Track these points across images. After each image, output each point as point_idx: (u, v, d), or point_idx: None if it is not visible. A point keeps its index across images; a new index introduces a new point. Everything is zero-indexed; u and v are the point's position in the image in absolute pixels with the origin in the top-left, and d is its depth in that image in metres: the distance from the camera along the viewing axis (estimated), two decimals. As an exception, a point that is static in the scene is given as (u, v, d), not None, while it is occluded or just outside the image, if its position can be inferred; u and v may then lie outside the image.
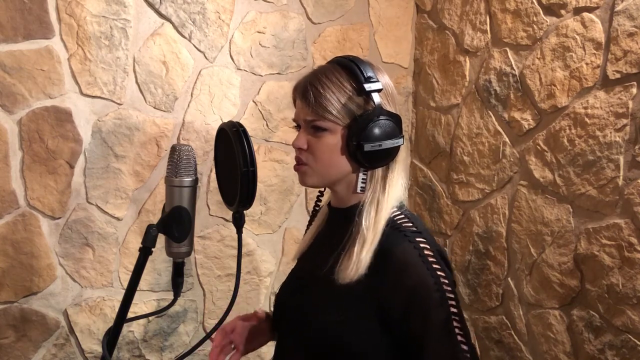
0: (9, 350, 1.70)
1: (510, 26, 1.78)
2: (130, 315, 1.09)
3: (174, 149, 1.10)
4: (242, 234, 1.10)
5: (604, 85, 1.49)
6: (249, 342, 1.23)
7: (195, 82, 1.88)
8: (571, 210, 1.59)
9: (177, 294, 1.13)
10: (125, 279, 1.83)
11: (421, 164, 2.22)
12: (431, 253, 1.04)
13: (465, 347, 1.02)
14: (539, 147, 1.69)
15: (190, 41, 1.85)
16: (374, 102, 1.05)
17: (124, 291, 1.16)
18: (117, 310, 1.09)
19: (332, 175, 1.10)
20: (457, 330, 1.02)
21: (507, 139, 1.81)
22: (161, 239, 1.09)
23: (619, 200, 1.46)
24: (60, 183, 1.72)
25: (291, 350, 1.17)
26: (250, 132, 1.08)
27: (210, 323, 1.98)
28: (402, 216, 1.10)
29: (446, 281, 1.03)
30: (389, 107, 1.09)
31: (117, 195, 1.80)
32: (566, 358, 1.61)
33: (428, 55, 2.16)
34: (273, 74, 1.99)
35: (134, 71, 1.79)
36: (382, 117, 1.05)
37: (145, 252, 1.07)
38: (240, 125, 1.08)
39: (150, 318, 1.87)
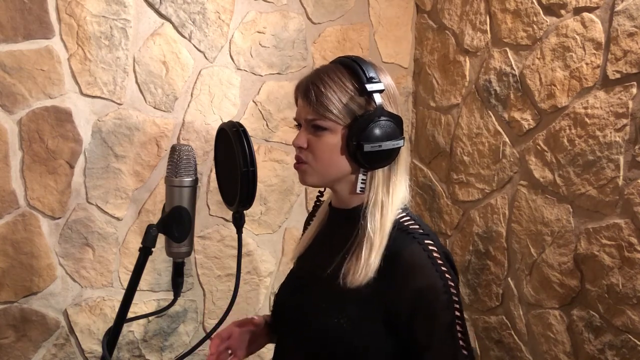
0: (9, 350, 1.70)
1: (510, 26, 1.78)
2: (130, 315, 1.09)
3: (174, 149, 1.10)
4: (242, 234, 1.10)
5: (604, 85, 1.49)
6: (246, 347, 1.23)
7: (195, 82, 1.88)
8: (571, 210, 1.59)
9: (177, 294, 1.13)
10: (125, 279, 1.83)
11: (421, 164, 2.22)
12: (439, 255, 1.04)
13: (465, 352, 1.03)
14: (539, 147, 1.68)
15: (190, 41, 1.85)
16: (375, 103, 1.05)
17: (124, 291, 1.16)
18: (117, 310, 1.09)
19: (332, 175, 1.10)
20: (459, 335, 1.02)
21: (507, 139, 1.81)
22: (161, 239, 1.09)
23: (619, 200, 1.46)
24: (60, 183, 1.72)
25: (291, 351, 1.17)
26: (250, 132, 1.08)
27: (210, 323, 1.98)
28: (408, 218, 1.10)
29: (453, 284, 1.03)
30: (390, 108, 1.08)
31: (117, 195, 1.80)
32: (566, 358, 1.61)
33: (428, 55, 2.16)
34: (273, 74, 1.99)
35: (134, 71, 1.79)
36: (383, 118, 1.05)
37: (145, 252, 1.07)
38: (240, 125, 1.08)
39: (150, 318, 1.87)
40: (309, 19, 2.04)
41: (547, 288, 1.66)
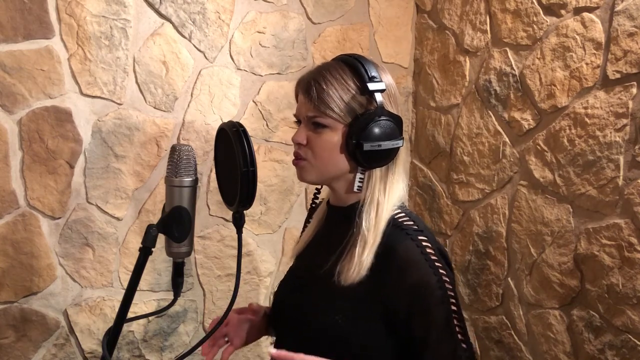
0: (9, 350, 1.70)
1: (510, 26, 1.78)
2: (130, 315, 1.09)
3: (174, 149, 1.10)
4: (242, 234, 1.10)
5: (604, 85, 1.49)
6: (244, 336, 1.23)
7: (195, 82, 1.88)
8: (571, 210, 1.59)
9: (177, 294, 1.13)
10: (125, 279, 1.83)
11: (421, 164, 2.22)
12: (433, 251, 1.04)
13: (464, 346, 1.03)
14: (539, 147, 1.68)
15: (190, 41, 1.85)
16: (376, 102, 1.05)
17: (124, 291, 1.16)
18: (117, 310, 1.09)
19: (330, 173, 1.10)
20: (457, 329, 1.03)
21: (507, 139, 1.81)
22: (161, 239, 1.09)
23: (619, 200, 1.46)
24: (60, 183, 1.72)
25: (290, 349, 1.17)
26: (250, 132, 1.08)
27: (210, 323, 1.98)
28: (404, 215, 1.10)
29: (447, 279, 1.04)
30: (390, 108, 1.09)
31: (117, 195, 1.80)
32: (566, 358, 1.61)
33: (428, 55, 2.16)
34: (273, 74, 1.99)
35: (134, 71, 1.79)
36: (383, 118, 1.05)
37: (145, 252, 1.07)
38: (240, 125, 1.08)
39: (150, 318, 1.87)
40: (309, 19, 2.04)
41: (547, 288, 1.66)
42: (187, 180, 1.08)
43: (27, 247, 1.70)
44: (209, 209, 1.95)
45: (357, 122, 1.05)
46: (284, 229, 2.08)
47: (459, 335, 1.03)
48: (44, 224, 1.72)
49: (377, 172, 1.09)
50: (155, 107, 1.83)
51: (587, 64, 1.53)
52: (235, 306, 1.14)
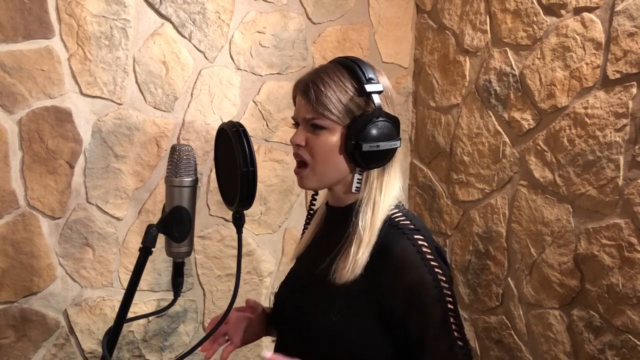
0: (9, 350, 1.70)
1: (510, 26, 1.78)
2: (130, 315, 1.09)
3: (174, 149, 1.10)
4: (242, 234, 1.10)
5: (604, 85, 1.49)
6: (243, 334, 1.23)
7: (195, 82, 1.88)
8: (571, 210, 1.59)
9: (177, 294, 1.13)
10: (125, 279, 1.83)
11: (421, 164, 2.22)
12: (429, 250, 1.05)
13: (460, 344, 1.03)
14: (539, 147, 1.68)
15: (190, 41, 1.85)
16: (374, 104, 1.06)
17: (124, 291, 1.16)
18: (117, 310, 1.09)
19: (330, 177, 1.11)
20: (454, 327, 1.03)
21: (507, 139, 1.81)
22: (161, 239, 1.09)
23: (619, 200, 1.46)
24: (60, 183, 1.72)
25: (291, 349, 1.17)
26: (250, 132, 1.08)
27: (210, 323, 1.98)
28: (400, 214, 1.10)
29: (444, 278, 1.04)
30: (387, 109, 1.10)
31: (117, 195, 1.80)
32: (566, 358, 1.61)
33: (428, 55, 2.16)
34: (273, 74, 1.99)
35: (134, 71, 1.79)
36: (381, 119, 1.06)
37: (145, 252, 1.07)
38: (240, 125, 1.08)
39: (150, 318, 1.87)
40: (309, 19, 2.04)
41: (547, 288, 1.66)
42: (187, 180, 1.08)
43: (27, 247, 1.70)
44: (209, 209, 1.95)
45: (355, 124, 1.06)
46: (284, 229, 2.08)
47: (456, 333, 1.03)
48: (44, 224, 1.72)
49: (374, 172, 1.10)
50: (155, 107, 1.83)
51: (587, 64, 1.53)
52: (235, 306, 1.14)
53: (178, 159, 1.08)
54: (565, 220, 1.60)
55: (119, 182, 1.80)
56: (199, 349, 1.11)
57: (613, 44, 1.46)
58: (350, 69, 1.09)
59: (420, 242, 1.05)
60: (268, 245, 2.07)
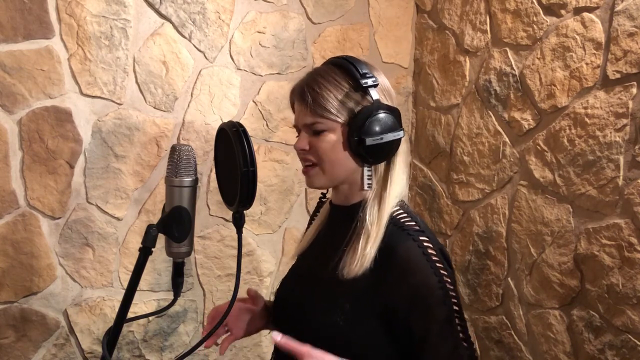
0: (9, 350, 1.70)
1: (510, 26, 1.78)
2: (130, 315, 1.09)
3: (174, 149, 1.10)
4: (242, 234, 1.10)
5: (604, 85, 1.49)
6: (244, 326, 1.23)
7: (195, 82, 1.88)
8: (571, 210, 1.59)
9: (177, 294, 1.13)
10: (125, 279, 1.83)
11: (421, 164, 2.22)
12: (434, 252, 1.05)
13: (465, 344, 1.03)
14: (539, 147, 1.68)
15: (190, 41, 1.85)
16: (371, 97, 1.06)
17: (124, 291, 1.16)
18: (117, 310, 1.09)
19: (340, 176, 1.11)
20: (458, 328, 1.03)
21: (507, 139, 1.81)
22: (161, 239, 1.09)
23: (619, 200, 1.46)
24: (60, 183, 1.72)
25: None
26: (250, 132, 1.08)
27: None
28: (404, 213, 1.10)
29: (448, 280, 1.04)
30: (386, 102, 1.10)
31: (117, 195, 1.80)
32: (566, 358, 1.61)
33: (428, 55, 2.16)
34: (273, 74, 2.00)
35: (134, 71, 1.79)
36: (381, 111, 1.06)
37: (145, 252, 1.07)
38: (240, 125, 1.08)
39: (150, 318, 1.87)
40: (309, 19, 2.04)
41: (547, 288, 1.66)
42: (187, 180, 1.08)
43: (27, 247, 1.70)
44: (209, 209, 1.95)
45: (355, 119, 1.06)
46: (284, 229, 2.08)
47: (460, 334, 1.03)
48: (44, 224, 1.72)
49: (381, 167, 1.10)
50: (155, 107, 1.83)
51: (587, 64, 1.53)
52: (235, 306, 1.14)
53: (178, 159, 1.08)
54: (565, 220, 1.60)
55: (119, 182, 1.80)
56: (200, 351, 1.11)
57: (613, 44, 1.46)
58: (344, 66, 1.09)
59: (425, 244, 1.05)
60: (268, 245, 2.07)
